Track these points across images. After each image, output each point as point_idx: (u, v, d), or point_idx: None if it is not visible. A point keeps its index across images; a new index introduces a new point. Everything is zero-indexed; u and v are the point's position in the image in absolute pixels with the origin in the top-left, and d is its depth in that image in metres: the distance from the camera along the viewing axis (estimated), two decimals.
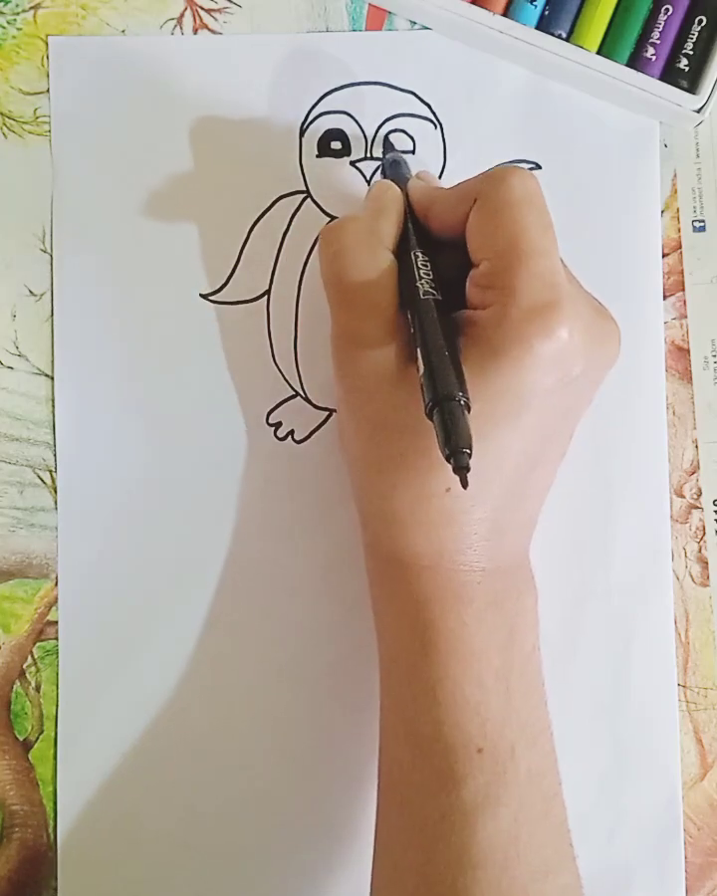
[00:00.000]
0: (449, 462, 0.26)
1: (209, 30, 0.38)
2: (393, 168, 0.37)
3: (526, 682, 0.32)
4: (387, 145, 0.38)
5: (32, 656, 0.38)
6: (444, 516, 0.30)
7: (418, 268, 0.31)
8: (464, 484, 0.26)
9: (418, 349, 0.29)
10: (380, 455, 0.31)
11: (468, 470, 0.26)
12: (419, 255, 0.32)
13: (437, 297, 0.31)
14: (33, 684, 0.37)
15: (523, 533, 0.33)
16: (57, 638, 0.37)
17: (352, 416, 0.32)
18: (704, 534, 0.39)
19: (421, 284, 0.31)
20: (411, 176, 0.36)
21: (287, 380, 0.38)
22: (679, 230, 0.39)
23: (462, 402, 0.27)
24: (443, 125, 0.38)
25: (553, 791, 0.32)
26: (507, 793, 0.30)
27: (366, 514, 0.33)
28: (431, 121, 0.38)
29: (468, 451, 0.26)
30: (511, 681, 0.31)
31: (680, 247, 0.39)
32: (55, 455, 0.38)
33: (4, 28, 0.38)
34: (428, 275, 0.31)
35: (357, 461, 0.33)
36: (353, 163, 0.38)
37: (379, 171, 0.38)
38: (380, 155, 0.38)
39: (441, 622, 0.31)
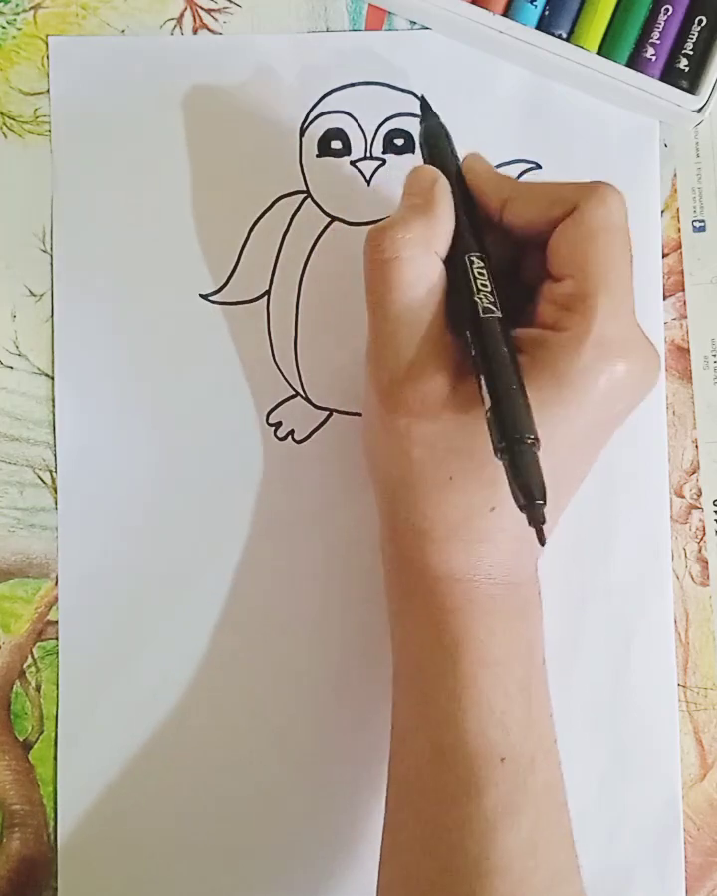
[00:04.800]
0: (522, 511, 0.26)
1: (209, 30, 0.38)
2: (432, 143, 0.33)
3: (542, 693, 0.32)
4: (424, 107, 0.35)
5: (32, 656, 0.38)
6: (484, 533, 0.30)
7: (475, 278, 0.30)
8: (541, 539, 0.26)
9: (483, 380, 0.28)
10: (425, 476, 0.30)
11: (544, 521, 0.26)
12: (475, 260, 0.30)
13: (498, 314, 0.29)
14: (33, 684, 0.37)
15: (537, 548, 0.33)
16: (57, 638, 0.37)
17: (395, 436, 0.31)
18: (704, 534, 0.39)
19: (480, 299, 0.29)
20: (454, 150, 0.34)
21: (287, 380, 0.38)
22: (679, 230, 0.39)
23: (533, 441, 0.27)
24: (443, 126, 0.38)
25: (563, 801, 0.32)
26: (526, 803, 0.30)
27: (399, 530, 0.32)
28: None
29: (543, 502, 0.26)
30: (532, 691, 0.31)
31: (680, 247, 0.39)
32: (55, 455, 0.38)
33: (4, 28, 0.38)
34: (486, 286, 0.30)
35: (393, 479, 0.32)
36: (353, 163, 0.38)
37: (420, 144, 0.35)
38: (420, 112, 0.35)
39: (471, 633, 0.30)
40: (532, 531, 0.31)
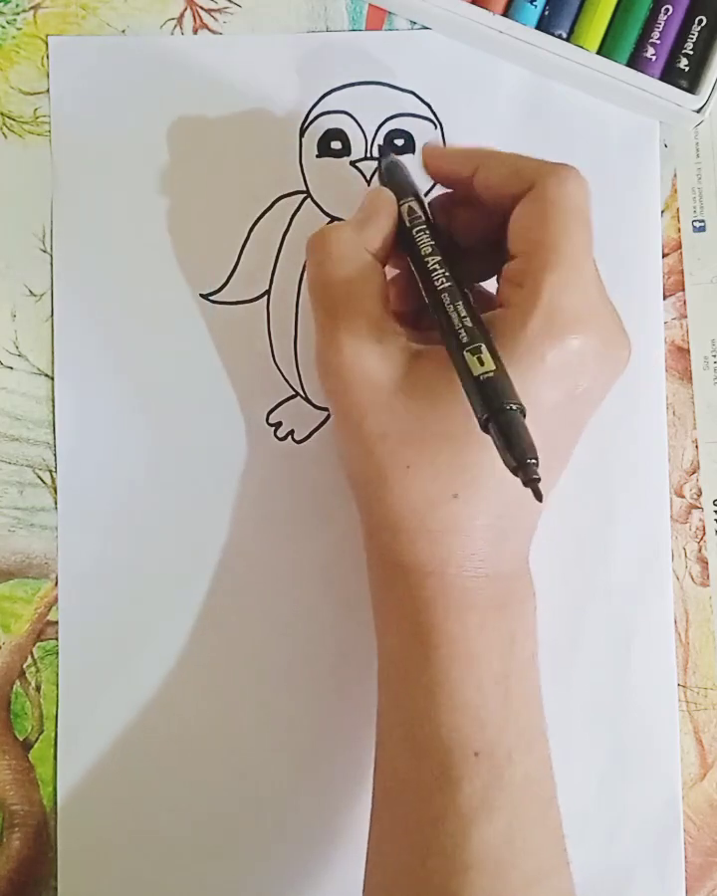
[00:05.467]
0: (516, 475, 0.26)
1: (209, 30, 0.38)
2: (391, 172, 0.36)
3: (525, 688, 0.32)
4: (384, 150, 0.38)
5: (32, 656, 0.38)
6: (450, 523, 0.30)
7: (434, 269, 0.31)
8: (538, 497, 0.25)
9: (465, 353, 0.28)
10: (384, 466, 0.31)
11: (539, 480, 0.25)
12: (432, 256, 0.31)
13: (468, 296, 0.30)
14: (33, 684, 0.38)
15: (524, 539, 0.33)
16: (57, 638, 0.37)
17: (351, 431, 0.32)
18: (704, 534, 0.39)
19: (445, 287, 0.30)
20: (410, 179, 0.35)
21: (287, 380, 0.38)
22: (679, 230, 0.39)
23: (517, 408, 0.27)
24: (443, 125, 0.38)
25: (548, 796, 0.32)
26: (503, 798, 0.30)
27: (372, 523, 0.33)
28: (431, 121, 0.38)
29: (535, 461, 0.25)
30: (510, 686, 0.31)
31: (680, 247, 0.39)
32: (55, 455, 0.38)
33: (4, 28, 0.38)
34: (447, 275, 0.31)
35: (359, 474, 0.32)
36: (353, 163, 0.38)
37: (377, 176, 0.37)
38: (378, 156, 0.38)
39: (444, 626, 0.31)
40: (513, 520, 0.31)
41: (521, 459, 0.26)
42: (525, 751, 0.31)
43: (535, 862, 0.30)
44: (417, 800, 0.31)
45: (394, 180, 0.35)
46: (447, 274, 0.31)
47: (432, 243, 0.32)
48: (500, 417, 0.27)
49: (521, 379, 0.28)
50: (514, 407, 0.27)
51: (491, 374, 0.28)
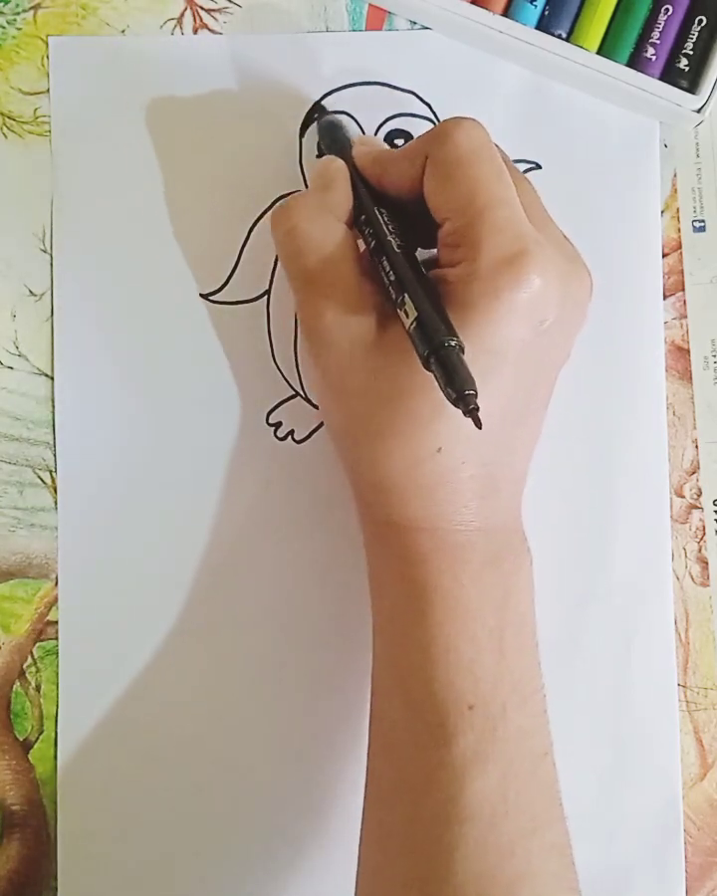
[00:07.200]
0: (457, 406, 0.26)
1: (209, 30, 0.38)
2: (330, 132, 0.36)
3: (520, 642, 0.32)
4: (321, 109, 0.37)
5: (32, 656, 0.38)
6: (438, 477, 0.31)
7: (385, 224, 0.31)
8: (478, 424, 0.26)
9: (401, 303, 0.29)
10: (367, 426, 0.31)
11: (478, 409, 0.26)
12: (383, 213, 0.32)
13: (409, 248, 0.31)
14: (33, 684, 0.38)
15: (514, 490, 0.33)
16: (57, 638, 0.37)
17: (332, 393, 0.32)
18: (704, 534, 0.39)
19: (392, 239, 0.31)
20: (353, 139, 0.36)
21: (287, 380, 0.38)
22: (679, 230, 0.39)
23: (456, 344, 0.27)
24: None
25: (542, 751, 0.32)
26: (496, 751, 0.30)
27: (360, 485, 0.33)
28: (431, 121, 0.38)
29: (473, 392, 0.26)
30: (505, 640, 0.31)
31: (680, 247, 0.39)
32: (55, 455, 0.38)
33: (4, 28, 0.38)
34: (396, 230, 0.31)
35: (343, 435, 0.33)
36: None
37: (318, 139, 0.37)
38: (316, 118, 0.38)
39: (438, 581, 0.31)
40: (500, 469, 0.31)
41: (459, 390, 0.26)
42: (519, 704, 0.31)
43: (529, 815, 0.30)
44: (411, 755, 0.31)
45: (336, 143, 0.36)
46: (372, 231, 0.32)
47: (370, 206, 0.33)
48: (436, 355, 0.27)
49: (484, 322, 0.29)
50: (448, 344, 0.27)
51: (415, 322, 0.28)
